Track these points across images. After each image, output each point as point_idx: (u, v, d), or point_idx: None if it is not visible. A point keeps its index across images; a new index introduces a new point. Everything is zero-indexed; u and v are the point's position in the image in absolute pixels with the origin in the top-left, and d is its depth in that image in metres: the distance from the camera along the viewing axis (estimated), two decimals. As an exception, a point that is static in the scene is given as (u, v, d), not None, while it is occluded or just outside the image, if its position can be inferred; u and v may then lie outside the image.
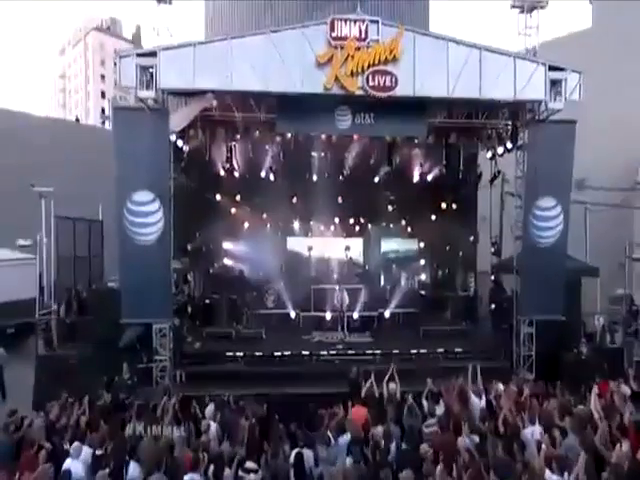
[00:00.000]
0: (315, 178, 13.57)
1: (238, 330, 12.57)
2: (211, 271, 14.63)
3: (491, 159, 12.41)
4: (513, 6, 10.95)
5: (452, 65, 9.81)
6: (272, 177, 12.93)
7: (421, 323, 13.13)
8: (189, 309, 12.63)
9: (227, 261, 14.94)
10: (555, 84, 9.95)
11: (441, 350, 11.48)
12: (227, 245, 14.98)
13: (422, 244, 15.26)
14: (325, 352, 11.38)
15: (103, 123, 36.13)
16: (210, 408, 7.02)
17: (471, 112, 11.27)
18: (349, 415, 7.38)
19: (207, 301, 13.47)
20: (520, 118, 10.87)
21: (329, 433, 6.33)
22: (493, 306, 12.60)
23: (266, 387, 9.96)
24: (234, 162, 12.19)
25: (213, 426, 6.66)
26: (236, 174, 12.60)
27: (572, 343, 11.03)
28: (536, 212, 10.57)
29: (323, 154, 13.13)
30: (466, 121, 11.26)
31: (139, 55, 9.48)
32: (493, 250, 12.44)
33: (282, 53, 9.55)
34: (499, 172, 11.84)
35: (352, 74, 9.60)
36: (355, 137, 12.19)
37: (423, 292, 14.04)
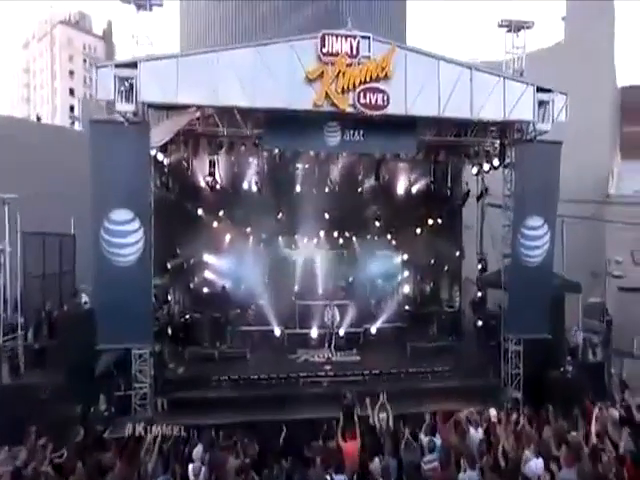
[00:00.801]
0: (300, 191, 13.21)
1: (221, 350, 12.09)
2: (192, 287, 14.08)
3: (476, 175, 12.39)
4: (500, 25, 10.93)
5: (443, 84, 9.72)
6: (256, 190, 12.48)
7: (407, 339, 13.02)
8: (169, 330, 12.05)
9: (209, 277, 14.41)
10: (542, 105, 9.98)
11: (429, 369, 11.31)
12: (209, 260, 14.44)
13: (407, 258, 15.20)
14: (313, 373, 11.04)
15: (72, 123, 34.61)
16: (198, 450, 6.60)
17: (459, 129, 11.18)
18: (344, 449, 7.11)
19: (188, 319, 12.89)
20: (508, 137, 10.90)
21: (327, 477, 6.03)
22: (480, 323, 12.59)
23: (254, 414, 9.62)
24: (217, 175, 11.69)
25: (203, 470, 6.25)
26: (219, 187, 12.08)
27: (557, 361, 11.11)
28: (524, 231, 10.61)
29: (308, 166, 12.79)
30: (455, 139, 11.20)
31: (118, 66, 8.93)
32: (480, 267, 12.43)
33: (271, 67, 9.22)
34: (486, 190, 11.83)
35: (343, 91, 9.36)
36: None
37: (408, 307, 13.90)
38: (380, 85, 9.48)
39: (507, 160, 11.10)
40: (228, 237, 14.42)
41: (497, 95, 9.88)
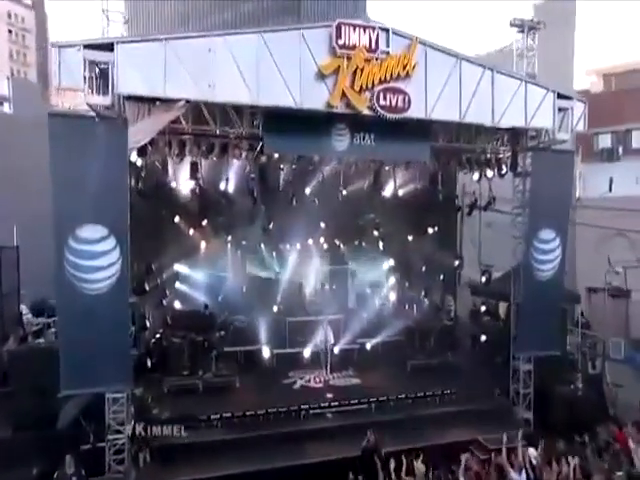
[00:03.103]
0: (290, 196, 11.75)
1: (206, 380, 10.52)
2: (167, 305, 12.25)
3: (478, 181, 11.63)
4: (513, 24, 10.18)
5: (464, 86, 8.80)
6: (241, 196, 10.90)
7: (405, 355, 12.21)
8: (148, 362, 10.27)
9: (187, 293, 12.59)
10: (561, 112, 9.36)
11: (437, 392, 10.52)
12: (187, 274, 12.65)
13: (401, 268, 14.30)
14: (315, 405, 9.85)
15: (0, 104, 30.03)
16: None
17: (466, 135, 10.32)
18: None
19: (163, 344, 11.14)
20: (520, 144, 10.20)
21: None
22: (484, 338, 11.99)
23: (254, 461, 8.31)
24: (200, 180, 10.01)
25: None
26: (200, 193, 10.39)
27: (563, 376, 10.74)
28: (537, 245, 10.10)
29: (299, 169, 11.36)
30: (467, 146, 10.33)
31: (88, 47, 7.07)
32: (484, 279, 11.79)
33: (277, 59, 7.83)
34: (494, 199, 11.14)
35: (361, 90, 8.09)
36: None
37: (403, 320, 13.04)
38: (401, 85, 8.35)
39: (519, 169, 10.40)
40: (208, 247, 12.73)
41: (518, 100, 9.21)
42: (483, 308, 12.74)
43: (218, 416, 9.28)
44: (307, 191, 11.28)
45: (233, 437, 8.93)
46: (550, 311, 10.30)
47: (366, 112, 8.32)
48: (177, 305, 12.51)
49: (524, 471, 6.84)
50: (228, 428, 9.15)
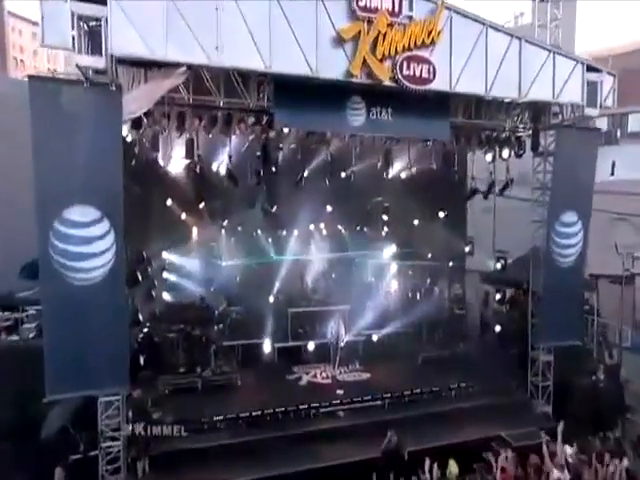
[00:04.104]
0: (292, 176, 11.02)
1: (205, 377, 9.98)
2: (160, 297, 11.56)
3: (491, 162, 11.26)
4: (536, -7, 9.79)
5: (491, 57, 8.37)
6: (239, 177, 10.20)
7: (414, 347, 11.97)
8: (142, 360, 9.64)
9: (181, 284, 11.89)
10: (590, 86, 9.06)
11: (453, 386, 10.27)
12: (181, 263, 11.96)
13: (409, 255, 13.89)
14: (326, 402, 9.46)
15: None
16: None
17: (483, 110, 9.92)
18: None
19: (156, 339, 10.53)
20: (543, 121, 9.89)
21: None
22: (498, 328, 11.78)
23: (265, 466, 7.90)
24: (196, 157, 9.31)
25: None
26: (197, 173, 9.67)
27: (584, 367, 10.63)
28: (558, 229, 9.84)
29: (302, 147, 10.67)
30: (486, 122, 9.95)
31: (77, -1, 6.30)
32: (500, 266, 11.54)
33: (292, 20, 7.25)
34: (512, 181, 10.82)
35: (383, 58, 7.58)
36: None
37: (412, 310, 12.72)
38: (425, 54, 7.88)
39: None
40: (202, 233, 12.05)
41: (546, 73, 8.84)
42: (497, 296, 12.54)
43: (221, 418, 8.79)
44: (312, 172, 10.67)
45: (240, 440, 8.46)
46: (571, 299, 10.16)
47: (388, 83, 7.81)
48: (168, 297, 11.83)
49: (567, 471, 6.62)
50: (233, 431, 8.68)
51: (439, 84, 8.07)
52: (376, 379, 10.85)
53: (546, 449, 6.82)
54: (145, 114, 7.77)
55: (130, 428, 7.59)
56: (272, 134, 8.95)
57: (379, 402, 9.81)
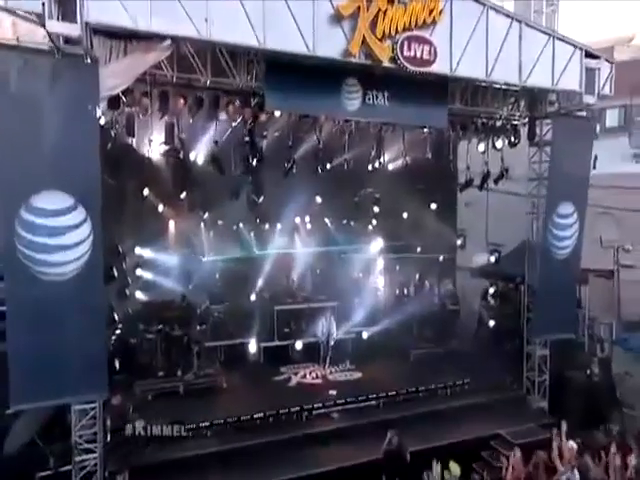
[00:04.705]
0: (276, 164, 10.56)
1: (188, 381, 9.48)
2: (135, 296, 10.92)
3: (484, 153, 11.16)
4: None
5: (491, 40, 8.21)
6: (224, 166, 9.69)
7: (405, 344, 11.82)
8: (117, 364, 9.03)
9: (160, 281, 11.25)
10: (588, 73, 9.04)
11: (448, 384, 10.14)
12: (158, 258, 11.32)
13: (398, 248, 13.64)
14: (319, 404, 9.14)
15: None
16: None
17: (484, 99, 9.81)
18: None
19: (132, 341, 9.94)
20: (539, 110, 9.85)
21: None
22: (492, 323, 11.74)
23: (258, 474, 7.58)
24: (177, 143, 8.77)
25: None
26: (177, 160, 9.14)
27: (577, 361, 10.72)
28: (556, 220, 9.80)
29: (287, 133, 10.25)
30: (483, 109, 9.82)
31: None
32: (494, 259, 11.48)
33: (287, -7, 6.78)
34: (507, 170, 10.75)
35: (383, 37, 7.29)
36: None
37: (402, 305, 12.55)
38: (425, 34, 7.63)
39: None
40: (181, 226, 11.46)
41: (546, 58, 8.75)
42: (491, 290, 12.51)
43: (208, 423, 8.32)
44: (301, 160, 10.28)
45: (229, 447, 8.02)
46: (566, 291, 10.21)
47: (387, 64, 7.52)
48: (144, 295, 11.19)
49: (576, 470, 6.53)
50: (222, 437, 8.23)
51: (439, 67, 7.85)
52: (368, 378, 10.61)
53: (556, 446, 6.72)
54: (123, 92, 7.23)
55: (109, 438, 7.05)
56: (262, 118, 8.47)
57: (374, 402, 9.56)
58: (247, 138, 8.86)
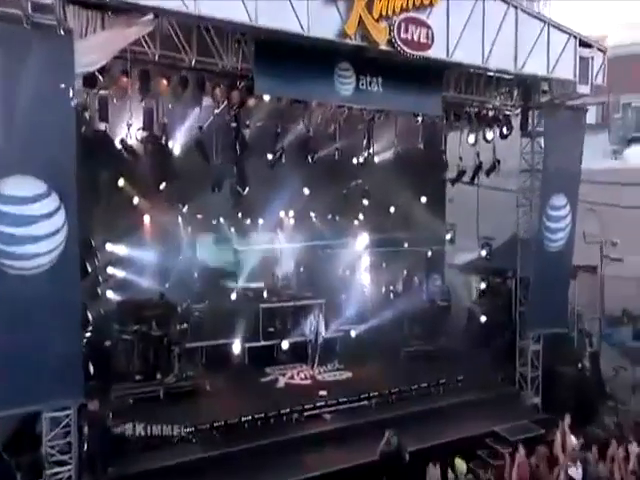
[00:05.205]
0: (260, 154, 10.23)
1: (168, 385, 9.04)
2: (109, 294, 10.36)
3: (474, 145, 11.09)
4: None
5: (488, 25, 8.15)
6: (207, 155, 9.26)
7: (395, 342, 11.70)
8: (90, 369, 8.48)
9: (136, 278, 10.71)
10: (582, 62, 9.10)
11: (441, 382, 10.04)
12: (134, 254, 10.78)
13: (385, 243, 13.43)
14: (310, 405, 8.87)
15: None
16: None
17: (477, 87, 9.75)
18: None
19: (106, 343, 9.43)
20: (533, 100, 9.86)
21: None
22: (484, 319, 11.72)
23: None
24: (155, 130, 8.32)
25: None
26: (156, 150, 8.66)
27: (568, 355, 10.81)
28: (549, 212, 9.84)
29: (273, 120, 9.93)
30: (476, 97, 9.75)
31: None
32: (485, 253, 11.46)
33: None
34: (498, 162, 10.71)
35: (380, 18, 7.08)
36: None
37: (391, 303, 12.40)
38: (422, 16, 7.48)
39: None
40: (157, 220, 10.95)
41: (541, 45, 8.75)
42: (482, 285, 12.50)
43: (192, 429, 7.90)
44: (289, 149, 9.98)
45: (216, 453, 7.66)
46: (559, 285, 10.28)
47: (384, 47, 7.32)
48: (118, 294, 10.63)
49: (580, 464, 6.49)
50: (208, 443, 7.83)
51: (436, 52, 7.72)
52: (359, 378, 10.42)
53: (559, 439, 6.67)
54: (101, 70, 6.77)
55: (85, 447, 6.58)
56: (251, 102, 8.11)
57: (366, 402, 9.36)
58: (234, 124, 8.48)
